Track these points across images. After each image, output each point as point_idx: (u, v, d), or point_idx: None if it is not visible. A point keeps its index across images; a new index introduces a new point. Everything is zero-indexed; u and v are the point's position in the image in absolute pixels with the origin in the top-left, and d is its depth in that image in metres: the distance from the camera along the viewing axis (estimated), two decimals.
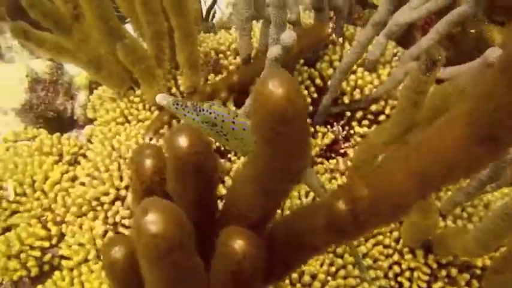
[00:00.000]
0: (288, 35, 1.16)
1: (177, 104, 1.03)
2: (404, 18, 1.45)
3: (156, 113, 1.57)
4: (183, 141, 0.63)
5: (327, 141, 1.61)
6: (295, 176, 0.54)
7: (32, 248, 1.37)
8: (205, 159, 0.63)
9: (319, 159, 1.61)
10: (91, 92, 1.99)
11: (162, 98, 1.05)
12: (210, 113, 1.00)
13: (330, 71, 1.62)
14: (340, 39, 1.71)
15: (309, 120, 1.59)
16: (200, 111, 1.01)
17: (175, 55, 1.57)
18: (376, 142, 1.39)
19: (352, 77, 1.60)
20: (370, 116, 1.62)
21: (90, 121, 2.02)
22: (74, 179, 1.52)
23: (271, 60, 1.28)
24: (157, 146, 0.72)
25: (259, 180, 0.56)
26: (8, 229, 1.45)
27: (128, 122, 1.59)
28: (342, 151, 1.66)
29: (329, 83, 1.62)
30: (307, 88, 1.63)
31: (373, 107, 1.59)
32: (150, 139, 1.52)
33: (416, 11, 1.45)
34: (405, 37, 1.74)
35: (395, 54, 1.70)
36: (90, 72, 1.54)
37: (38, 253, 1.36)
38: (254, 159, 0.55)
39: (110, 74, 1.55)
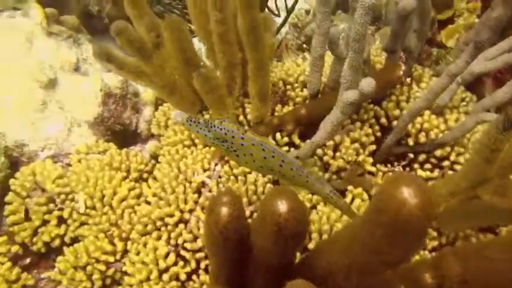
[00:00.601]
0: (368, 83, 1.18)
1: (191, 121, 1.07)
2: (480, 68, 1.44)
3: None
4: (282, 206, 0.65)
5: None
6: (397, 265, 0.55)
7: (97, 261, 1.42)
8: (302, 226, 0.66)
9: None
10: (156, 108, 2.06)
11: (177, 115, 1.10)
12: (221, 129, 1.04)
13: (397, 111, 1.62)
14: (408, 79, 1.71)
15: (370, 159, 1.60)
16: (211, 127, 1.05)
17: (244, 83, 1.62)
18: (441, 192, 1.38)
19: (419, 119, 1.59)
20: (433, 160, 1.60)
21: (153, 136, 2.10)
22: (139, 196, 1.57)
23: (345, 104, 1.30)
24: (234, 193, 0.75)
25: (361, 262, 0.58)
26: (75, 239, 1.51)
27: (195, 145, 1.63)
28: None
29: (394, 123, 1.62)
30: (371, 126, 1.63)
31: (438, 152, 1.58)
32: (216, 164, 1.56)
33: (492, 62, 1.44)
34: (474, 83, 1.72)
35: (463, 100, 1.69)
36: (163, 95, 1.59)
37: (103, 267, 1.42)
38: (360, 241, 0.57)
39: (181, 98, 1.60)
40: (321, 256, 0.76)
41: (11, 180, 1.53)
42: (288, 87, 1.71)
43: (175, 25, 1.41)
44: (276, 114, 1.64)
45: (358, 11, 1.18)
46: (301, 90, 1.70)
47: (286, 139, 1.59)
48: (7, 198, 1.51)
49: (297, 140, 1.60)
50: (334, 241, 0.71)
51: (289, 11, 2.31)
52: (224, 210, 0.70)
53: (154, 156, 1.84)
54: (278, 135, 1.58)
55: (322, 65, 1.54)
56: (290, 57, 2.50)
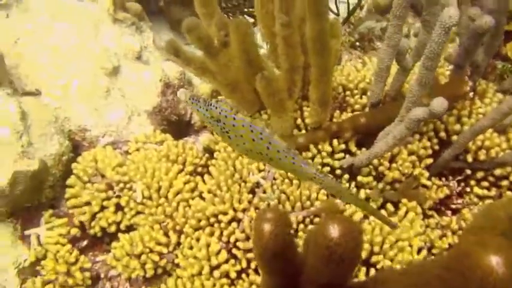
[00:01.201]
0: (440, 104, 1.16)
1: (193, 99, 1.09)
2: None
3: None
4: (334, 231, 0.66)
5: (441, 195, 1.58)
6: None
7: (151, 251, 1.46)
8: (354, 252, 0.66)
9: (430, 212, 1.59)
10: None
11: (181, 93, 1.12)
12: (216, 108, 1.06)
13: (457, 126, 1.59)
14: (471, 94, 1.67)
15: (426, 173, 1.58)
16: (209, 105, 1.07)
17: (304, 87, 1.62)
18: (500, 214, 1.35)
19: (480, 136, 1.56)
20: (491, 179, 1.57)
21: (205, 127, 2.12)
22: (193, 189, 1.60)
23: (412, 121, 1.28)
24: (278, 210, 0.75)
25: None
26: (130, 226, 1.56)
27: None
28: (453, 206, 1.63)
29: (453, 137, 1.59)
30: (429, 139, 1.60)
31: (498, 171, 1.54)
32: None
33: None
34: None
35: None
36: (225, 93, 1.60)
37: (156, 257, 1.46)
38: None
39: (242, 97, 1.61)
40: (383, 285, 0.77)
41: (74, 165, 1.58)
42: (348, 93, 1.70)
43: (242, 28, 1.41)
44: (334, 119, 1.63)
45: (436, 30, 1.16)
46: (361, 97, 1.69)
47: (343, 146, 1.58)
48: (69, 181, 1.56)
49: (353, 148, 1.59)
50: (401, 275, 0.71)
51: (351, 13, 2.27)
52: (267, 227, 0.70)
53: (207, 149, 1.86)
54: (335, 141, 1.57)
55: (387, 76, 1.52)
56: (344, 56, 2.46)
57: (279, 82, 1.51)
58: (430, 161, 1.60)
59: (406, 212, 1.50)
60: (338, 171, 1.57)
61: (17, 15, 1.87)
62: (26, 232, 1.50)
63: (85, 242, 1.55)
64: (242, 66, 1.54)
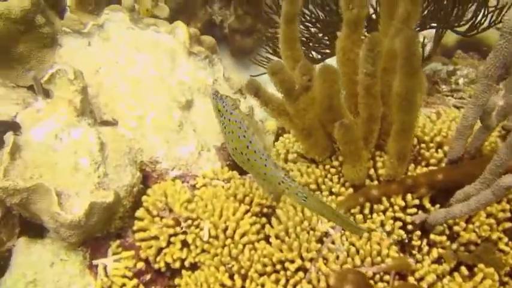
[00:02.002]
0: None
1: (215, 94, 1.14)
2: None
3: (350, 190, 1.58)
4: None
5: None
6: None
7: None
8: None
9: (506, 279, 1.51)
10: (277, 139, 2.07)
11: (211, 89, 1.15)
12: (222, 101, 1.10)
13: None
14: None
15: (505, 237, 1.51)
16: (220, 98, 1.11)
17: (380, 136, 1.59)
18: None
19: None
20: None
21: None
22: (259, 231, 1.58)
23: (501, 188, 1.23)
24: (359, 272, 0.72)
25: None
26: (195, 264, 1.56)
27: (320, 190, 1.61)
28: None
29: None
30: (508, 202, 1.54)
31: None
32: None
33: None
34: None
35: None
36: (299, 137, 1.59)
37: None
38: None
39: (315, 143, 1.60)
40: None
41: (144, 197, 1.60)
42: (423, 145, 1.65)
43: (330, 75, 1.40)
44: (408, 172, 1.59)
45: None
46: (436, 151, 1.63)
47: (416, 201, 1.53)
48: (138, 214, 1.58)
49: (427, 204, 1.54)
50: None
51: (436, 44, 2.23)
52: None
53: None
54: (409, 196, 1.53)
55: (469, 134, 1.48)
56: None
57: (357, 131, 1.49)
58: (508, 224, 1.53)
59: (483, 279, 1.43)
60: (409, 227, 1.53)
61: (99, 43, 1.94)
62: (94, 262, 1.52)
63: (149, 276, 1.56)
64: (321, 111, 1.53)
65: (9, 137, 1.41)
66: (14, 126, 1.50)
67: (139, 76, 1.80)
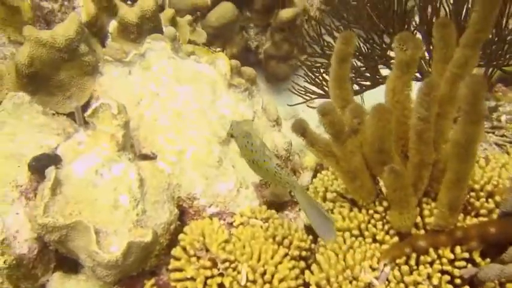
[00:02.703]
0: None
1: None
2: None
3: (396, 239, 1.52)
4: None
5: None
6: None
7: None
8: None
9: None
10: (315, 175, 2.03)
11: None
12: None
13: None
14: None
15: None
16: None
17: (429, 183, 1.53)
18: None
19: None
20: None
21: None
22: (297, 276, 1.53)
23: None
24: None
25: None
26: None
27: (363, 236, 1.56)
28: None
29: None
30: None
31: None
32: (385, 265, 1.48)
33: None
34: None
35: None
36: (344, 179, 1.55)
37: None
38: None
39: (361, 186, 1.55)
40: None
41: (181, 236, 1.57)
42: (472, 194, 1.58)
43: (385, 114, 1.36)
44: (457, 223, 1.52)
45: None
46: (487, 201, 1.56)
47: (466, 254, 1.46)
48: (175, 253, 1.55)
49: (477, 258, 1.47)
50: None
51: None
52: None
53: (310, 228, 1.81)
54: (458, 248, 1.46)
55: None
56: None
57: (407, 178, 1.43)
58: None
59: None
60: (457, 281, 1.46)
61: (139, 73, 1.94)
62: None
63: None
64: (371, 153, 1.49)
65: (50, 172, 1.40)
66: (55, 159, 1.49)
67: (180, 109, 1.79)
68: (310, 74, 2.62)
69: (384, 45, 2.28)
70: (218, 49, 3.16)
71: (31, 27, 1.75)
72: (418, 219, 1.55)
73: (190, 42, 2.74)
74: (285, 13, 3.15)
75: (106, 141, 1.52)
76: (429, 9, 2.20)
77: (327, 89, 2.55)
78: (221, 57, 1.98)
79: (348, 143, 1.48)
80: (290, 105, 2.84)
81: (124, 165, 1.53)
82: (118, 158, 1.53)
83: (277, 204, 1.92)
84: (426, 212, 1.55)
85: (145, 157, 1.71)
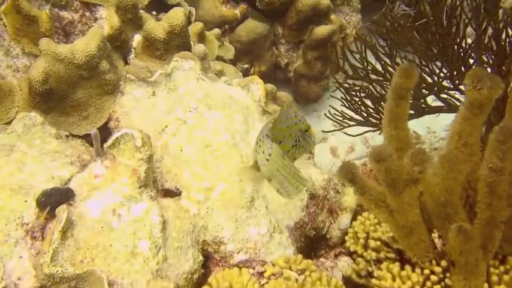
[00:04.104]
0: None
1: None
2: None
3: None
4: None
5: None
6: None
7: None
8: None
9: None
10: (355, 218, 1.87)
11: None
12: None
13: None
14: None
15: None
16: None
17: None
18: None
19: None
20: None
21: (341, 244, 1.90)
22: None
23: None
24: None
25: None
26: None
27: None
28: None
29: None
30: None
31: None
32: None
33: None
34: None
35: None
36: (398, 234, 1.39)
37: None
38: None
39: (416, 243, 1.38)
40: None
41: None
42: None
43: (458, 165, 1.20)
44: None
45: None
46: None
47: None
48: None
49: None
50: None
51: None
52: None
53: (348, 280, 1.65)
54: None
55: None
56: None
57: (477, 240, 1.27)
58: None
59: None
60: None
61: (164, 94, 1.80)
62: None
63: None
64: (434, 205, 1.33)
65: (62, 212, 1.26)
66: (67, 195, 1.34)
67: (209, 139, 1.63)
68: (348, 98, 2.46)
69: (437, 74, 2.11)
70: (246, 65, 3.04)
71: (48, 40, 1.62)
72: (486, 286, 1.38)
73: (217, 58, 2.61)
74: (321, 30, 3.00)
75: (126, 175, 1.38)
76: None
77: (365, 115, 2.39)
78: (255, 81, 1.83)
79: (406, 194, 1.32)
80: (324, 131, 2.68)
81: (145, 205, 1.38)
82: (139, 196, 1.38)
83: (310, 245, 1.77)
84: (494, 278, 1.37)
85: (168, 193, 1.56)
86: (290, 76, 3.35)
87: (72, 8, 1.83)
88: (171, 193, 1.56)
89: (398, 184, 1.29)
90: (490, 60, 2.01)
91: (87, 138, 1.76)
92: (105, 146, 1.40)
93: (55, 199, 1.31)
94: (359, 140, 3.18)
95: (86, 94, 1.74)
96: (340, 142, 3.30)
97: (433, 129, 3.21)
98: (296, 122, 1.11)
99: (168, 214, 1.43)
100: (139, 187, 1.39)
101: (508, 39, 1.92)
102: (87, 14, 1.86)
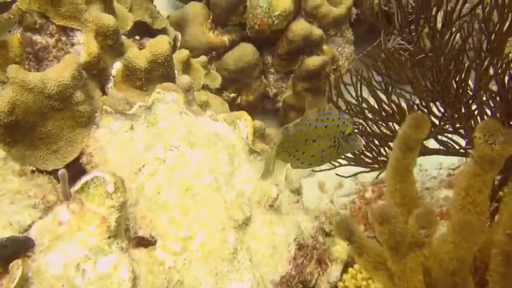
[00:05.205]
0: None
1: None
2: None
3: None
4: None
5: None
6: None
7: None
8: None
9: None
10: (345, 270, 1.75)
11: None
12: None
13: None
14: None
15: None
16: None
17: None
18: None
19: None
20: None
21: None
22: None
23: None
24: None
25: None
26: None
27: None
28: None
29: None
30: None
31: None
32: None
33: None
34: None
35: None
36: None
37: None
38: None
39: None
40: None
41: None
42: None
43: (474, 234, 1.09)
44: None
45: None
46: None
47: None
48: None
49: None
50: None
51: None
52: None
53: None
54: None
55: None
56: None
57: None
58: None
59: None
60: None
61: (143, 128, 1.67)
62: None
63: None
64: (440, 272, 1.21)
65: (15, 268, 1.11)
66: (25, 245, 1.20)
67: (190, 181, 1.51)
68: None
69: (437, 115, 2.03)
70: (233, 95, 2.94)
71: (17, 67, 1.49)
72: None
73: (203, 87, 2.50)
74: (312, 61, 2.92)
75: (95, 224, 1.24)
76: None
77: (362, 156, 2.30)
78: (243, 118, 1.72)
79: (409, 258, 1.20)
80: (315, 171, 2.58)
81: (114, 258, 1.24)
82: (108, 247, 1.25)
83: None
84: None
85: (141, 241, 1.42)
86: (279, 107, 3.26)
87: (47, 32, 1.71)
88: (145, 242, 1.43)
89: (402, 247, 1.18)
90: (492, 103, 1.94)
91: (56, 174, 1.62)
92: (72, 190, 1.26)
93: (11, 251, 1.17)
94: None
95: (56, 126, 1.61)
96: (329, 177, 3.20)
97: (425, 167, 3.12)
98: (338, 124, 1.14)
99: (140, 268, 1.30)
100: (109, 237, 1.25)
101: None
102: (64, 38, 1.74)
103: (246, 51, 2.88)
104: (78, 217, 1.26)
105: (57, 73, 1.51)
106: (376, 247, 1.24)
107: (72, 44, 1.75)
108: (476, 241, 1.09)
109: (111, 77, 1.85)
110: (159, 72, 1.81)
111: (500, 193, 1.95)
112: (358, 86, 2.30)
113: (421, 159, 3.24)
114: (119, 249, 1.27)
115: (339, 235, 1.23)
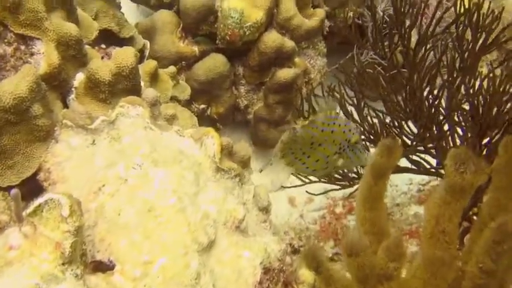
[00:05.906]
0: None
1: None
2: None
3: None
4: None
5: None
6: None
7: None
8: None
9: None
10: None
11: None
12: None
13: None
14: None
15: None
16: None
17: None
18: None
19: None
20: None
21: None
22: None
23: None
24: None
25: None
26: None
27: None
28: None
29: None
30: None
31: None
32: None
33: None
34: None
35: None
36: None
37: None
38: None
39: None
40: None
41: None
42: None
43: (440, 269, 1.09)
44: None
45: None
46: None
47: None
48: None
49: None
50: None
51: None
52: None
53: None
54: None
55: None
56: None
57: None
58: None
59: None
60: None
61: (105, 144, 1.62)
62: None
63: None
64: None
65: None
66: None
67: (152, 202, 1.46)
68: None
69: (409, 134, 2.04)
70: (202, 106, 2.90)
71: None
72: None
73: (171, 98, 2.45)
74: (284, 74, 2.90)
75: (48, 250, 1.18)
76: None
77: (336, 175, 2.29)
78: (210, 135, 1.68)
79: None
80: (284, 187, 2.56)
81: (68, 286, 1.18)
82: (61, 274, 1.19)
83: None
84: None
85: (99, 266, 1.36)
86: (249, 118, 3.22)
87: (5, 41, 1.64)
88: (103, 266, 1.37)
89: (370, 280, 1.16)
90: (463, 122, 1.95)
91: (10, 190, 1.55)
92: (25, 213, 1.20)
93: None
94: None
95: (12, 141, 1.54)
96: (299, 192, 3.18)
97: (395, 182, 3.13)
98: (344, 131, 1.13)
99: None
100: (63, 264, 1.20)
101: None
102: (23, 47, 1.66)
103: (217, 62, 2.84)
104: (31, 241, 1.20)
105: (14, 85, 1.44)
106: (343, 279, 1.21)
107: (32, 54, 1.68)
108: (446, 278, 1.08)
109: (73, 89, 1.79)
110: (123, 85, 1.76)
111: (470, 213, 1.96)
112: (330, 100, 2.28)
113: (391, 176, 3.28)
114: (73, 276, 1.21)
115: (306, 265, 1.20)
